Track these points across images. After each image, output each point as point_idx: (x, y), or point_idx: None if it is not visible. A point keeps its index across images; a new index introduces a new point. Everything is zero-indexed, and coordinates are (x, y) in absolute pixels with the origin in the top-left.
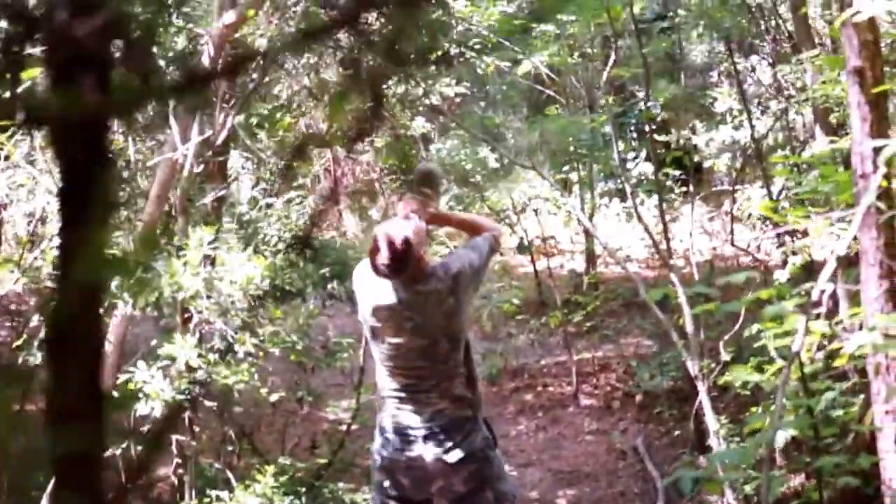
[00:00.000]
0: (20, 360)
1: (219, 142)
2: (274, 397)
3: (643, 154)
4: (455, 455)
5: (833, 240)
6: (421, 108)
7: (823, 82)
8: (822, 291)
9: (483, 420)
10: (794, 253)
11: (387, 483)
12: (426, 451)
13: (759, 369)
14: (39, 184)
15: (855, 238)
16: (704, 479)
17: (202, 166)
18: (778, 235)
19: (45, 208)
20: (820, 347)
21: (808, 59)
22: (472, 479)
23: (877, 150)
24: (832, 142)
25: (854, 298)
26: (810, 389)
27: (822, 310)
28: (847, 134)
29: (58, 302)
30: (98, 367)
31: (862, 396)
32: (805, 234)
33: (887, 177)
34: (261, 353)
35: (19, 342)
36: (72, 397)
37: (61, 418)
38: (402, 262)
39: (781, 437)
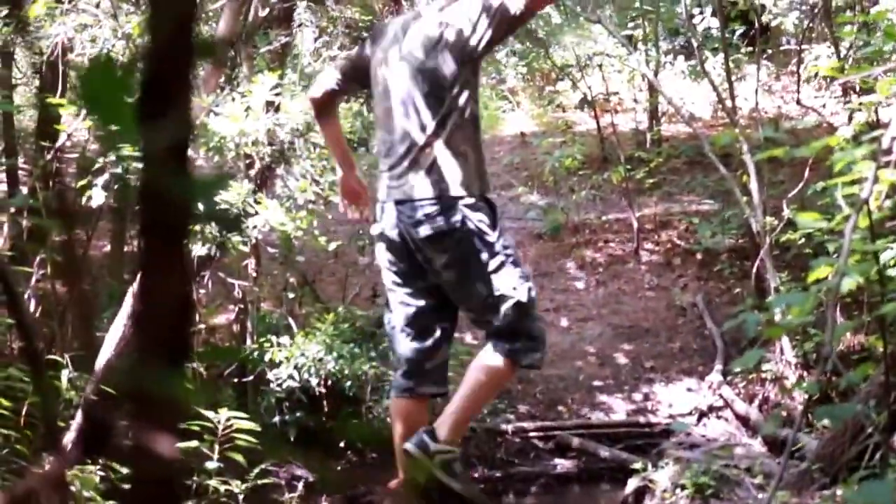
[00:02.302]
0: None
1: None
2: (332, 245)
3: (709, 10)
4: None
5: None
6: None
7: None
8: (894, 139)
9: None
10: (859, 108)
11: None
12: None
13: (826, 219)
14: (104, 26)
15: None
16: (765, 324)
17: (267, 11)
18: (844, 93)
19: (109, 50)
20: (888, 196)
21: None
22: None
23: None
24: None
25: None
26: (877, 237)
27: (893, 158)
28: None
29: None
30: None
31: None
32: (871, 91)
33: None
34: (321, 202)
35: (83, 182)
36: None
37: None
38: None
39: (846, 283)
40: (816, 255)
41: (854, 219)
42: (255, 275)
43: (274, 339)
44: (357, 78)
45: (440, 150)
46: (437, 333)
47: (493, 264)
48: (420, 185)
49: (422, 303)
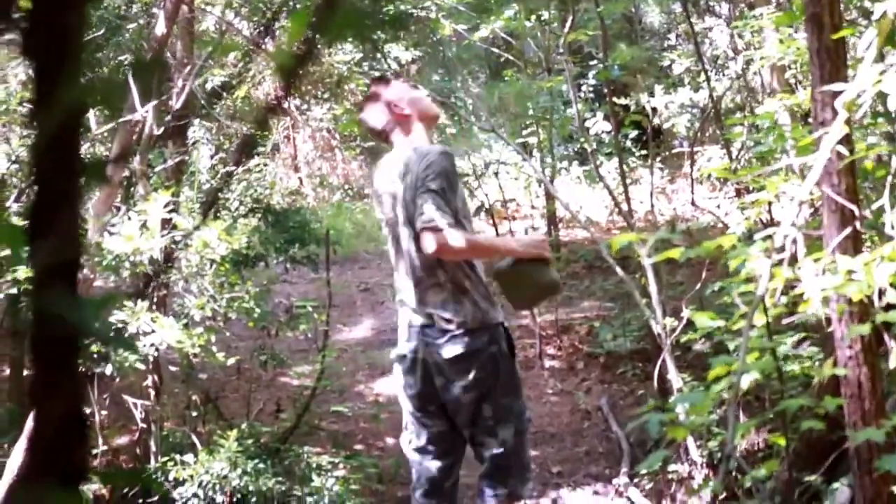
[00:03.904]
0: None
1: (177, 106)
2: (231, 361)
3: (601, 115)
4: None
5: (793, 189)
6: (378, 74)
7: (780, 40)
8: (786, 236)
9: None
10: (751, 206)
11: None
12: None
13: (724, 318)
14: None
15: (817, 186)
16: (668, 425)
17: (161, 130)
18: (738, 193)
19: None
20: (783, 293)
21: (766, 16)
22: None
23: (835, 96)
24: (782, 99)
25: (812, 246)
26: (774, 333)
27: (786, 255)
28: (805, 89)
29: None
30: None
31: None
32: (763, 190)
33: (847, 122)
34: (218, 319)
35: None
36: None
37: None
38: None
39: (746, 380)
40: (717, 354)
41: (751, 316)
42: (156, 393)
43: (178, 457)
44: None
45: (450, 279)
46: (455, 454)
47: (505, 389)
48: (443, 311)
49: (440, 424)
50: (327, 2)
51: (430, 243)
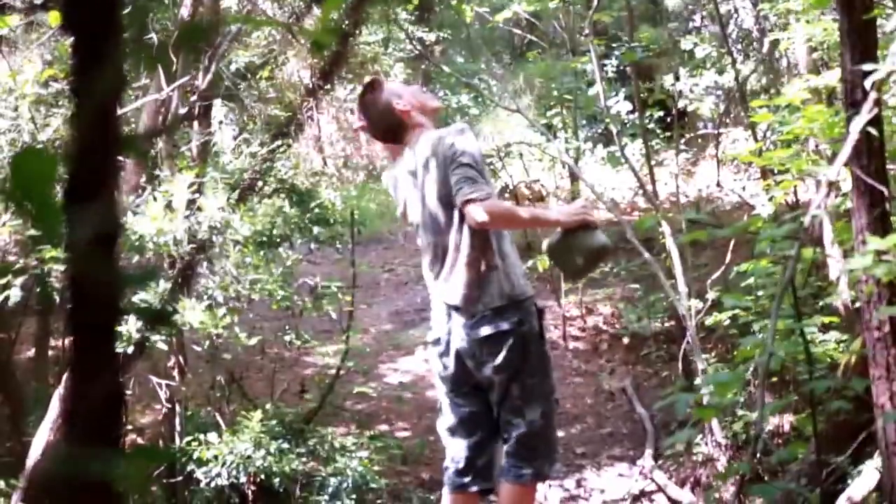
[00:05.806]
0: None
1: (203, 86)
2: (254, 341)
3: (624, 96)
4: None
5: (821, 170)
6: (402, 54)
7: (807, 21)
8: (813, 218)
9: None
10: (778, 186)
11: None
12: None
13: (750, 299)
14: (23, 131)
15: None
16: (695, 406)
17: (187, 110)
18: (763, 175)
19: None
20: (810, 274)
21: None
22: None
23: (866, 76)
24: (807, 80)
25: (840, 228)
26: (801, 315)
27: (814, 236)
28: (832, 70)
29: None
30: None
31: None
32: (788, 171)
33: (877, 102)
34: (241, 300)
35: (3, 281)
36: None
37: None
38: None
39: (774, 361)
40: (743, 336)
41: (779, 298)
42: (180, 373)
43: (202, 437)
44: None
45: (478, 257)
46: (486, 433)
47: (534, 370)
48: (470, 291)
49: (472, 404)
50: None
51: (476, 214)
